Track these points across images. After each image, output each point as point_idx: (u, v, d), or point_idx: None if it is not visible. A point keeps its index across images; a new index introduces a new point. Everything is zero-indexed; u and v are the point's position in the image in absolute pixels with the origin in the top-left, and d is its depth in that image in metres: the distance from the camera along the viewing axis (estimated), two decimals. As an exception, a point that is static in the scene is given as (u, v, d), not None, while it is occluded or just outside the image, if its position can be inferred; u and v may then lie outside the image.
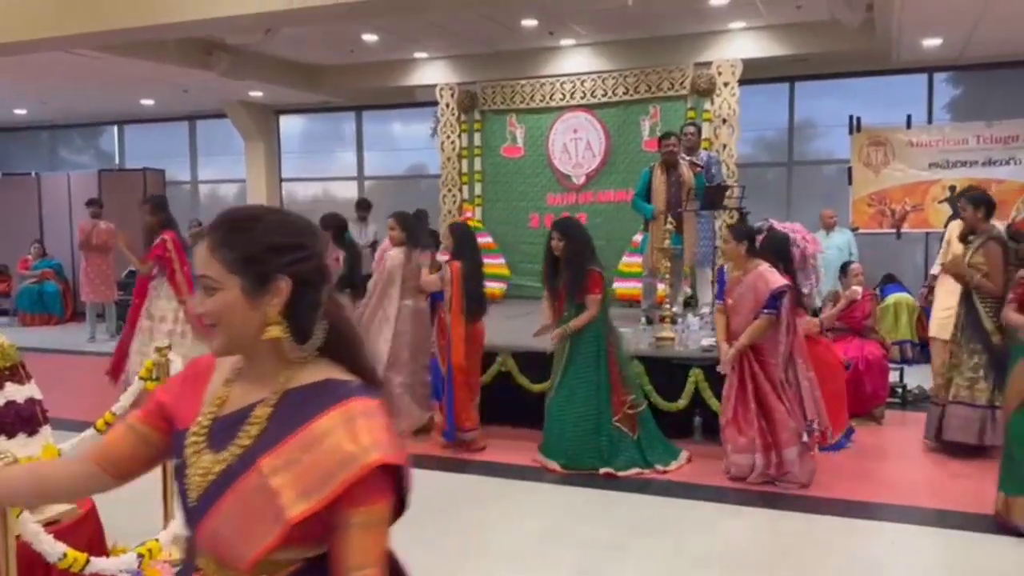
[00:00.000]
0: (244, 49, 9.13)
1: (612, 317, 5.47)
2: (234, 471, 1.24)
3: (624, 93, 8.91)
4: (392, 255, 6.01)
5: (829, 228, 8.57)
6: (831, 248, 8.16)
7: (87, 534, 3.03)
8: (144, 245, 6.69)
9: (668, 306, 6.28)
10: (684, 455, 5.23)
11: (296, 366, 1.31)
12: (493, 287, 8.52)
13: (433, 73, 10.00)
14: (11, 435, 2.80)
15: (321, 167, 12.99)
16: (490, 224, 9.40)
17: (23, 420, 2.86)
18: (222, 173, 13.69)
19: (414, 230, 6.17)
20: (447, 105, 9.56)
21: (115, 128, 14.21)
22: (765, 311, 4.68)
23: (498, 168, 9.48)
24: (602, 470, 5.01)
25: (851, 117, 9.22)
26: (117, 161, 14.14)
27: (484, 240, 9.01)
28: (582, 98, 9.11)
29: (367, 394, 1.27)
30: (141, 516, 3.90)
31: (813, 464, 4.83)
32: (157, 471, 3.98)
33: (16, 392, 2.87)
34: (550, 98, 9.22)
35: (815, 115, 10.54)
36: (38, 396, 3.01)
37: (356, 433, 1.21)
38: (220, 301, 1.27)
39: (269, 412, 1.28)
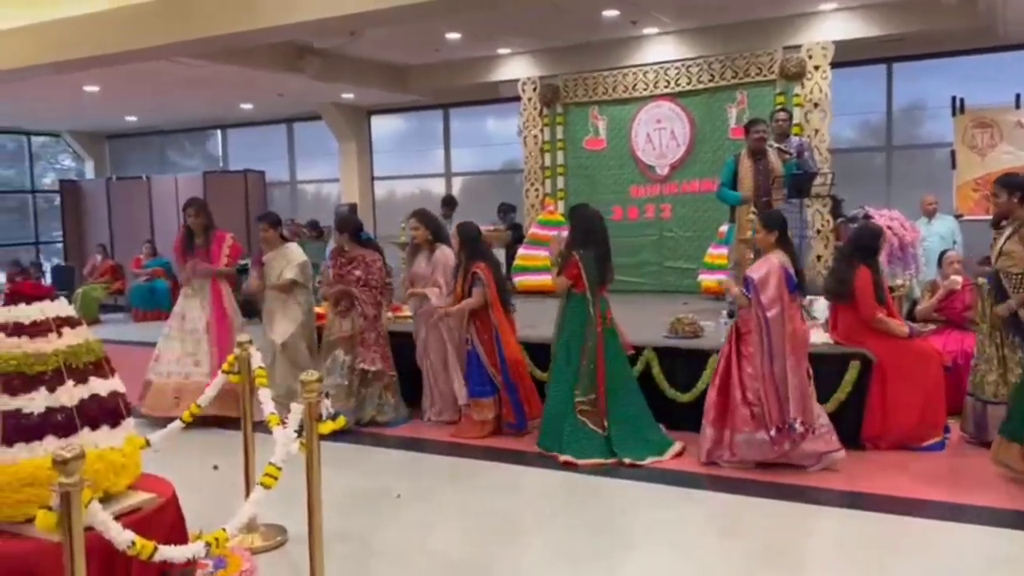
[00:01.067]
0: (332, 52, 9.39)
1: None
2: None
3: (709, 80, 8.71)
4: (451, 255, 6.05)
5: (930, 215, 8.13)
6: (932, 236, 7.75)
7: (168, 522, 3.19)
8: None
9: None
10: (673, 450, 5.18)
11: None
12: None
13: (516, 68, 10.03)
14: (95, 427, 2.97)
15: (412, 165, 13.23)
16: (573, 217, 9.36)
17: (106, 412, 3.02)
18: (318, 173, 14.14)
19: (439, 229, 6.23)
20: (529, 99, 9.58)
21: (219, 132, 14.88)
22: (743, 289, 4.83)
23: (581, 161, 9.43)
24: (561, 458, 5.07)
25: (954, 98, 8.72)
26: (221, 164, 14.81)
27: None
28: (666, 87, 8.96)
29: None
30: (228, 504, 4.10)
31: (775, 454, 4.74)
32: (239, 462, 4.19)
33: (100, 386, 3.04)
34: (633, 88, 9.10)
35: (917, 97, 10.01)
36: (121, 390, 3.18)
37: None
38: None
39: None
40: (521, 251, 9.11)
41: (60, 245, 15.23)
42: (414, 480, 4.95)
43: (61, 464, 2.11)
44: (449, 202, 10.41)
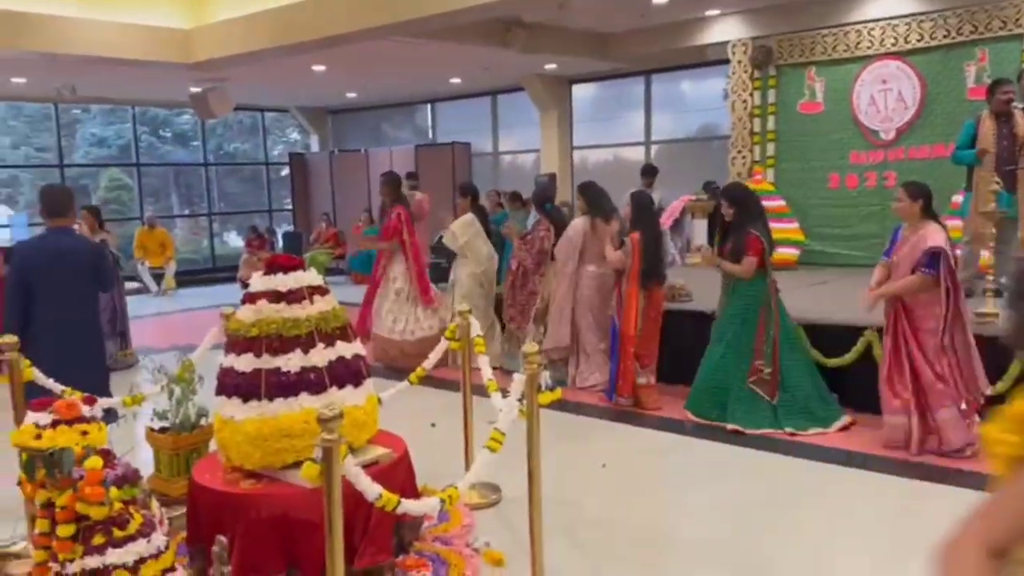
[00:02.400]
0: (538, 25, 9.50)
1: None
2: None
3: (944, 36, 7.94)
4: (575, 224, 6.47)
5: None
6: None
7: (400, 476, 3.47)
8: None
9: (992, 278, 5.58)
10: (838, 423, 5.18)
11: None
12: (786, 253, 8.13)
13: (725, 30, 9.64)
14: (341, 386, 3.27)
15: (610, 133, 13.18)
16: (783, 186, 8.94)
17: (351, 373, 3.31)
18: (519, 144, 14.44)
19: (598, 200, 6.45)
20: (739, 62, 9.19)
21: (428, 106, 15.56)
22: (923, 270, 4.54)
23: (793, 126, 8.95)
24: (729, 426, 5.18)
25: None
26: (430, 136, 15.50)
27: (776, 203, 8.62)
28: (893, 44, 8.26)
29: None
30: (447, 462, 4.37)
31: (972, 435, 4.52)
32: (453, 422, 4.44)
33: (345, 349, 3.33)
34: (855, 47, 8.48)
35: None
36: (362, 352, 3.47)
37: None
38: None
39: None
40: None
41: (289, 212, 16.67)
42: (615, 446, 5.03)
43: (324, 421, 2.35)
44: (649, 171, 10.29)
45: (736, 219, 5.37)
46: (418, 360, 4.52)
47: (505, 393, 3.20)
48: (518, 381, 3.09)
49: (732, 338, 5.33)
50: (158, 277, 13.52)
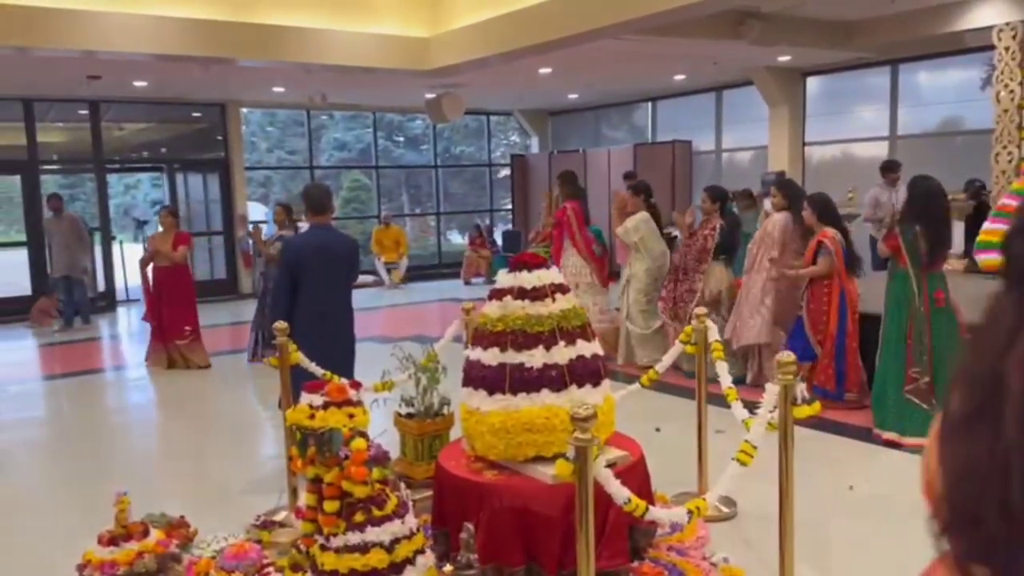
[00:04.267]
0: (775, 15, 9.06)
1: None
2: None
3: None
4: (776, 219, 6.41)
5: None
6: None
7: (637, 480, 3.40)
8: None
9: None
10: None
11: None
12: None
13: (989, 13, 8.66)
14: (581, 385, 3.26)
15: (844, 128, 12.32)
16: (1059, 185, 7.88)
17: (590, 372, 3.30)
18: (742, 141, 13.88)
19: (797, 196, 6.39)
20: (1006, 48, 8.21)
21: (648, 104, 15.38)
22: None
23: (1073, 118, 7.87)
24: (884, 435, 5.09)
25: None
26: (649, 135, 15.32)
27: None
28: None
29: None
30: (674, 468, 4.26)
31: None
32: (680, 426, 4.30)
33: (585, 348, 3.33)
34: None
35: None
36: (600, 352, 3.45)
37: None
38: None
39: None
40: (987, 225, 7.91)
41: (509, 212, 17.17)
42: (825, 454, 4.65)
43: (579, 420, 2.34)
44: (891, 167, 9.50)
45: (902, 214, 5.34)
46: None
47: (753, 405, 3.05)
48: (771, 392, 2.92)
49: (888, 341, 5.30)
50: (391, 272, 14.46)
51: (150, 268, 8.16)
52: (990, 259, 7.66)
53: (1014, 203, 7.86)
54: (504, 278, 3.38)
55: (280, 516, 4.11)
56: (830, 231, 5.81)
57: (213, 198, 13.88)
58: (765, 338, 6.38)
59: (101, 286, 12.68)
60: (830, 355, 5.79)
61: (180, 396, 7.32)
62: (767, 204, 7.35)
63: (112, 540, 3.30)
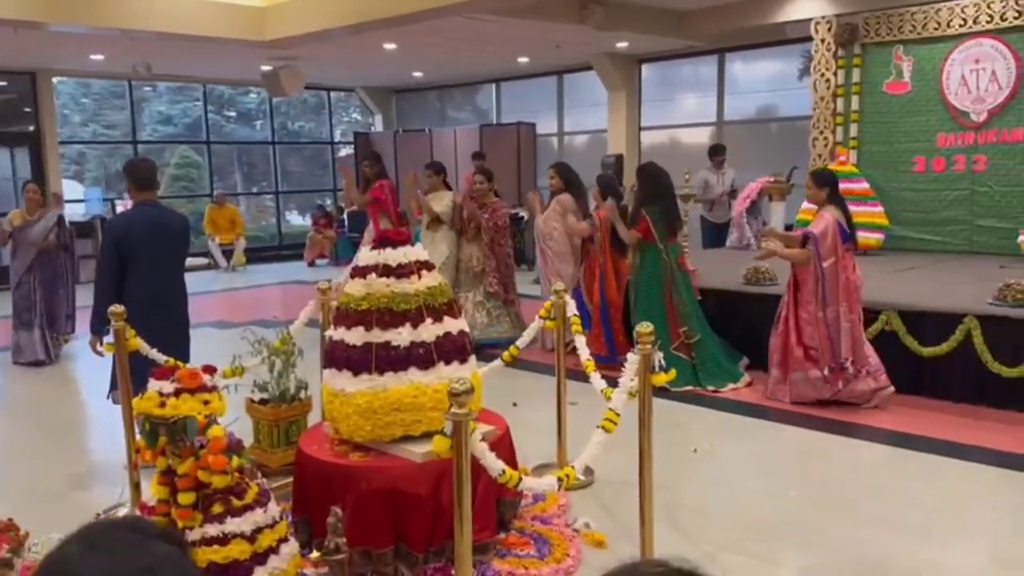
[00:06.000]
0: (615, 1, 9.33)
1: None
2: None
3: (1045, 13, 7.57)
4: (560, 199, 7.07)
5: None
6: None
7: (504, 454, 3.43)
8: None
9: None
10: (743, 380, 5.94)
11: None
12: (869, 237, 7.89)
13: (808, 7, 9.36)
14: (448, 362, 3.24)
15: (677, 114, 12.96)
16: (866, 168, 8.65)
17: (457, 349, 3.28)
18: (582, 124, 14.27)
19: (573, 178, 7.18)
20: (823, 40, 8.89)
21: (492, 86, 15.46)
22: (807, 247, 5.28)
23: (878, 107, 8.63)
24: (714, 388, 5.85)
25: None
26: (493, 117, 15.42)
27: (859, 186, 8.36)
28: (988, 23, 7.90)
29: None
30: (535, 441, 4.34)
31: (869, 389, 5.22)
32: (533, 401, 4.38)
33: (452, 325, 3.31)
34: (947, 25, 8.13)
35: None
36: (466, 329, 3.44)
37: None
38: None
39: None
40: (805, 205, 8.60)
41: (351, 192, 16.74)
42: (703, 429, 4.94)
43: (455, 396, 2.31)
44: (717, 150, 10.07)
45: (637, 200, 6.21)
46: None
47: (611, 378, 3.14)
48: (632, 361, 3.02)
49: (644, 307, 6.02)
50: (227, 253, 13.75)
51: None
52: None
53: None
54: (368, 255, 3.29)
55: (122, 513, 3.83)
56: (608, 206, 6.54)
57: (22, 175, 12.63)
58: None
59: None
60: (598, 323, 6.46)
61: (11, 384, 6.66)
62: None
63: (-74, 552, 2.95)
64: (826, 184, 5.40)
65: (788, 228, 8.09)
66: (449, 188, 7.94)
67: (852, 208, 8.13)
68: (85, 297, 5.68)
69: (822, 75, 8.86)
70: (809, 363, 5.29)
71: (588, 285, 6.64)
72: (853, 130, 8.75)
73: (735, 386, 5.90)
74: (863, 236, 7.96)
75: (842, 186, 8.21)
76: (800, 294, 5.35)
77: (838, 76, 8.80)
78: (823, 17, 8.90)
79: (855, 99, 8.72)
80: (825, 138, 8.90)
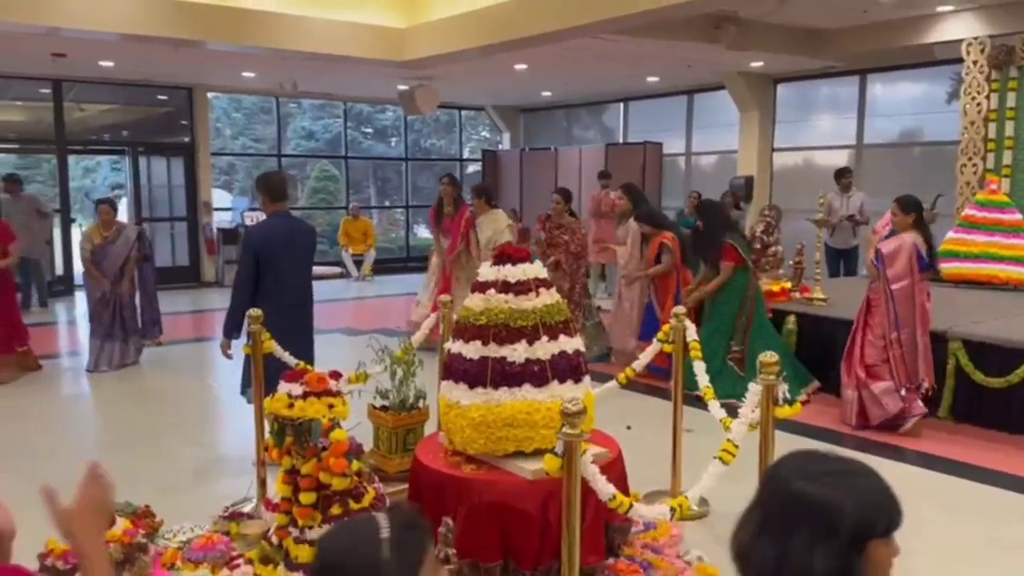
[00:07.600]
0: (751, 20, 9.14)
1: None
2: None
3: None
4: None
5: None
6: None
7: (615, 477, 3.39)
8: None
9: None
10: (800, 398, 5.84)
11: None
12: (1020, 272, 7.36)
13: (960, 27, 8.85)
14: (562, 380, 3.24)
15: (811, 135, 12.50)
16: (1019, 198, 8.07)
17: (572, 368, 3.28)
18: (711, 144, 14.00)
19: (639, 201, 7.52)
20: (975, 62, 8.40)
21: (620, 105, 15.42)
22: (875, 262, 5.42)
23: (1036, 133, 8.07)
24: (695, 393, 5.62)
25: None
26: (620, 135, 15.36)
27: (1011, 217, 7.82)
28: None
29: None
30: (646, 467, 4.27)
31: (901, 410, 5.32)
32: (649, 424, 4.29)
33: (567, 344, 3.30)
34: (1118, 45, 7.52)
35: None
36: (581, 348, 3.43)
37: None
38: None
39: None
40: (951, 234, 8.11)
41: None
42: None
43: (568, 416, 2.31)
44: (843, 173, 9.59)
45: (710, 233, 6.38)
46: None
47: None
48: (754, 391, 2.93)
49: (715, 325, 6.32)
50: (358, 264, 14.31)
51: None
52: (955, 268, 7.88)
53: (980, 214, 8.07)
54: (487, 271, 3.35)
55: (248, 507, 4.03)
56: (668, 233, 6.87)
57: (176, 183, 13.60)
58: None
59: (59, 269, 12.37)
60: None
61: (134, 385, 7.17)
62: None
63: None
64: (912, 210, 5.39)
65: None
66: (574, 215, 7.90)
67: (1002, 240, 7.64)
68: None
69: (973, 98, 8.37)
70: (872, 380, 5.42)
71: (662, 300, 6.91)
72: (1006, 157, 8.20)
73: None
74: (1016, 272, 7.45)
75: (991, 216, 7.79)
76: (871, 316, 5.48)
77: (991, 100, 8.28)
78: (975, 38, 8.42)
79: (1009, 124, 8.18)
80: (974, 165, 8.38)
